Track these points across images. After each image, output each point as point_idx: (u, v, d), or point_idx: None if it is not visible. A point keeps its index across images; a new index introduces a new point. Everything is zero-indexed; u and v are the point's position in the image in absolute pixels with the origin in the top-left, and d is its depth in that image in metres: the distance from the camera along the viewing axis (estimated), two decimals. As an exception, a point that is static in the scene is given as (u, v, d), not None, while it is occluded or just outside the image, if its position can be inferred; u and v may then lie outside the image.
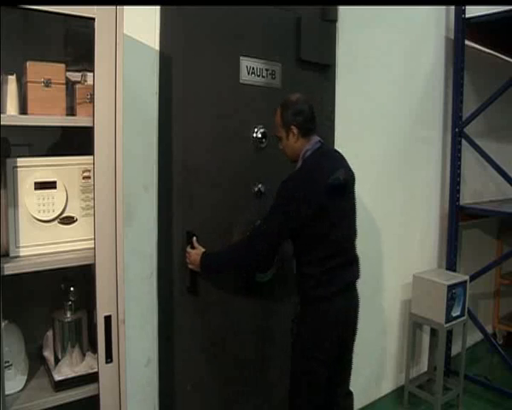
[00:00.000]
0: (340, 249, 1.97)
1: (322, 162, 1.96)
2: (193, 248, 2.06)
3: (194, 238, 2.06)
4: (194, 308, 2.16)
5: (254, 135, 2.32)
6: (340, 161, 2.04)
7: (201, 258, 2.01)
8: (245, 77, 2.26)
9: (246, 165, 2.31)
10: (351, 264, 2.04)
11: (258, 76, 2.30)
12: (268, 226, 1.94)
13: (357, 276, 2.07)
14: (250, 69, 2.27)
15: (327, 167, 1.94)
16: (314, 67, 2.52)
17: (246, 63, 2.25)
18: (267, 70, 2.34)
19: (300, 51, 2.43)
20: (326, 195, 1.88)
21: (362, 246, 2.13)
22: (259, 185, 2.34)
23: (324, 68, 2.57)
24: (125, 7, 1.37)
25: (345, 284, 2.00)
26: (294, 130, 1.96)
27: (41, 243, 1.41)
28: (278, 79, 2.38)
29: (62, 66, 1.41)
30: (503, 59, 3.97)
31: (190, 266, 2.06)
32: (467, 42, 3.41)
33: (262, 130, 2.32)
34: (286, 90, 2.33)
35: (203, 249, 2.04)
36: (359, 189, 2.15)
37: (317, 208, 1.87)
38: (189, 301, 2.13)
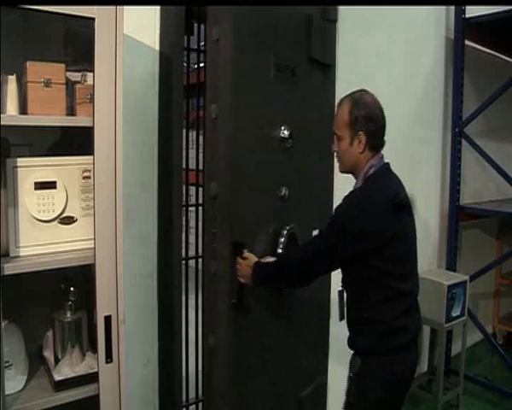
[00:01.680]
0: (410, 288, 1.71)
1: (387, 185, 1.70)
2: (243, 258, 1.84)
3: (249, 254, 1.85)
4: (239, 325, 1.96)
5: (282, 134, 2.12)
6: (400, 184, 1.77)
7: (253, 270, 1.79)
8: (274, 73, 2.06)
9: (273, 167, 2.14)
10: (417, 306, 1.78)
11: (283, 72, 2.12)
12: (320, 256, 1.69)
13: (421, 322, 1.81)
14: (277, 65, 2.08)
15: (392, 190, 1.69)
16: (319, 67, 2.51)
17: (277, 59, 2.07)
18: (288, 67, 2.18)
19: (312, 49, 2.31)
20: (393, 222, 1.63)
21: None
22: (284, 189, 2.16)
23: (325, 68, 2.57)
24: (125, 7, 1.37)
25: (415, 332, 1.73)
26: (362, 138, 1.66)
27: (41, 243, 1.41)
28: (296, 77, 2.20)
29: (62, 66, 1.41)
30: (503, 59, 3.97)
31: (241, 280, 1.84)
32: (467, 42, 3.41)
33: (288, 129, 2.10)
34: (303, 89, 2.23)
35: (255, 259, 1.83)
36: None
37: (386, 237, 1.61)
38: (233, 317, 1.93)
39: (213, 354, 1.94)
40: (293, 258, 1.83)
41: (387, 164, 1.73)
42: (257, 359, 2.07)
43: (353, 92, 1.72)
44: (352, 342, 1.75)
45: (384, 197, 1.64)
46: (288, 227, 2.05)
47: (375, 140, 1.68)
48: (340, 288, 1.86)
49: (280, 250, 2.01)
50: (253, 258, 1.83)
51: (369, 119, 1.65)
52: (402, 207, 1.67)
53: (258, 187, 2.00)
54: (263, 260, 1.85)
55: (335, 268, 1.75)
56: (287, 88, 2.13)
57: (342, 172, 1.77)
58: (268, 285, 1.93)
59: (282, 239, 2.04)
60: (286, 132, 2.08)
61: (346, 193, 1.72)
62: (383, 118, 1.69)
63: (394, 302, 1.64)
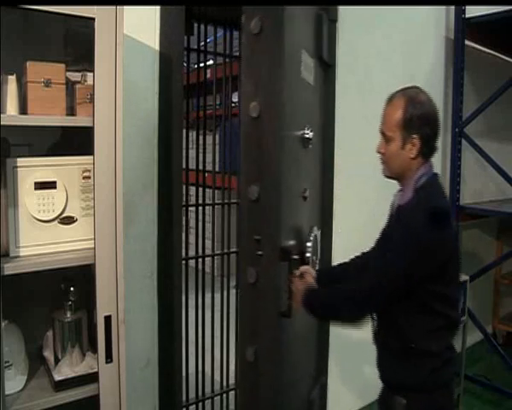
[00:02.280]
0: (458, 316, 1.57)
1: (440, 196, 1.51)
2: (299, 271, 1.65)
3: (306, 268, 1.68)
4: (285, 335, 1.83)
5: (306, 135, 2.05)
6: (446, 200, 1.59)
7: (305, 296, 1.59)
8: (303, 72, 1.98)
9: (300, 168, 2.09)
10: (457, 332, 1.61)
11: (308, 71, 2.06)
12: (397, 278, 1.43)
13: None
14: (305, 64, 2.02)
15: (445, 202, 1.53)
16: (324, 66, 2.51)
17: (304, 57, 1.99)
18: (311, 66, 2.13)
19: (322, 50, 2.30)
20: (452, 239, 1.48)
21: (361, 247, 2.13)
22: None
23: (327, 68, 2.58)
24: (125, 7, 1.37)
25: (456, 362, 1.55)
26: (417, 142, 1.45)
27: (41, 243, 1.41)
28: (313, 76, 2.15)
29: (62, 66, 1.41)
30: (503, 59, 3.97)
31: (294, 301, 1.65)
32: (467, 42, 3.41)
33: (311, 130, 2.03)
34: (318, 88, 2.21)
35: (312, 275, 1.67)
36: (361, 188, 2.12)
37: (450, 258, 1.44)
38: (279, 326, 1.78)
39: (256, 367, 1.75)
40: (358, 285, 1.54)
41: (437, 174, 1.55)
42: (292, 365, 2.00)
43: (406, 88, 1.51)
44: (391, 377, 1.52)
45: (438, 211, 1.44)
46: (313, 230, 1.97)
47: (430, 146, 1.48)
48: None
49: (308, 254, 1.84)
50: (310, 275, 1.65)
51: (425, 121, 1.45)
52: (452, 221, 1.51)
53: (293, 189, 1.92)
54: (313, 285, 1.63)
55: (405, 291, 1.44)
56: (309, 88, 2.09)
57: (386, 176, 1.57)
58: (322, 315, 1.67)
59: (309, 244, 1.91)
60: (310, 133, 2.02)
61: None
62: (439, 121, 1.50)
63: (445, 332, 1.47)
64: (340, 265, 1.87)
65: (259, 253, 1.67)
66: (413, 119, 1.44)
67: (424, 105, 1.46)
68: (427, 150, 1.48)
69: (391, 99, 1.53)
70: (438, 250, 1.40)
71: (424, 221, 1.40)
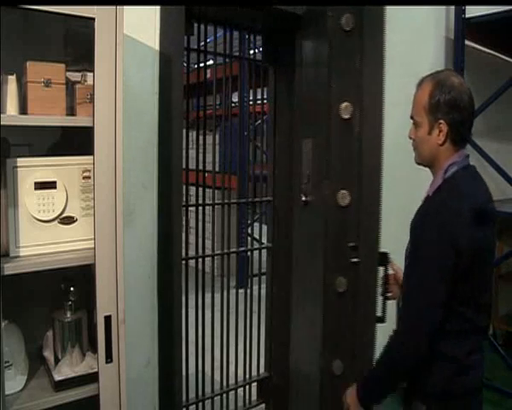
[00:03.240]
0: (486, 318, 1.44)
1: (470, 190, 1.41)
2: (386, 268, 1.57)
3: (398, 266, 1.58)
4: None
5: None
6: (488, 191, 1.49)
7: (357, 394, 1.49)
8: None
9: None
10: (485, 340, 1.51)
11: None
12: (420, 299, 1.36)
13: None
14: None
15: (477, 198, 1.41)
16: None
17: None
18: None
19: None
20: (475, 237, 1.35)
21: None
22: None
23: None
24: (125, 7, 1.37)
25: (483, 373, 1.44)
26: (444, 128, 1.39)
27: (41, 243, 1.41)
28: None
29: (62, 66, 1.41)
30: (503, 59, 3.97)
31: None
32: (467, 42, 3.41)
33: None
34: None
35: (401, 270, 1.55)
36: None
37: (476, 256, 1.34)
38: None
39: (344, 379, 1.68)
40: (391, 338, 1.44)
41: (473, 166, 1.46)
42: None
43: (438, 71, 1.46)
44: (411, 381, 1.46)
45: (465, 205, 1.36)
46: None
47: (460, 132, 1.40)
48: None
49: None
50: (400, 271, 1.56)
51: (453, 105, 1.37)
52: (486, 219, 1.40)
53: (376, 192, 1.88)
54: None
55: (445, 304, 1.36)
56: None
57: (418, 163, 1.51)
58: (380, 395, 1.50)
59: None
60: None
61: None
62: (472, 106, 1.40)
63: (468, 336, 1.39)
64: None
65: (355, 260, 1.58)
66: (440, 103, 1.38)
67: (454, 89, 1.38)
68: (456, 137, 1.40)
69: (420, 83, 1.48)
70: (462, 245, 1.32)
71: (450, 215, 1.35)
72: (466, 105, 1.39)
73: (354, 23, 1.61)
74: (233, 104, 3.97)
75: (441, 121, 1.39)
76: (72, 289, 1.55)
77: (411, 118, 1.51)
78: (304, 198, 2.19)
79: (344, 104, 1.57)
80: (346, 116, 1.61)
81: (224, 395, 2.82)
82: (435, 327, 1.36)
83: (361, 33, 1.61)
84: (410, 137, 1.52)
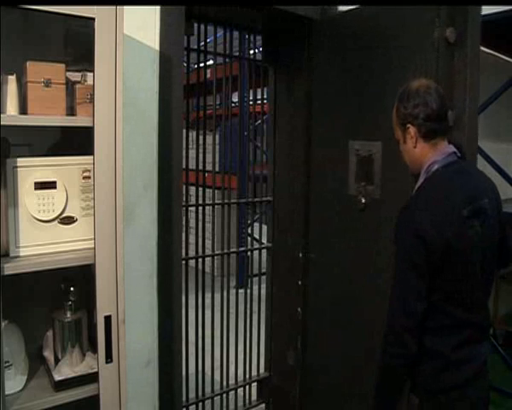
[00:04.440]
0: (475, 313, 1.43)
1: (456, 184, 1.43)
2: None
3: None
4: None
5: None
6: (483, 184, 1.50)
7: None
8: None
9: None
10: (485, 335, 1.49)
11: None
12: (398, 294, 1.41)
13: (488, 352, 1.49)
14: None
15: (463, 193, 1.41)
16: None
17: None
18: None
19: None
20: (456, 231, 1.36)
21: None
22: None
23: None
24: (125, 7, 1.37)
25: (479, 365, 1.44)
26: (411, 130, 1.46)
27: (41, 243, 1.41)
28: None
29: (62, 66, 1.41)
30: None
31: None
32: (467, 42, 3.41)
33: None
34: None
35: None
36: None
37: (446, 251, 1.35)
38: None
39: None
40: (387, 329, 1.45)
41: (460, 160, 1.48)
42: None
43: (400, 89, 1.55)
44: (409, 375, 1.49)
45: (448, 199, 1.39)
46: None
47: (428, 127, 1.44)
48: None
49: None
50: None
51: (414, 107, 1.44)
52: (474, 213, 1.39)
53: None
54: None
55: (424, 298, 1.38)
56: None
57: (412, 175, 1.57)
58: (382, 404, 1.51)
59: None
60: None
61: None
62: (437, 101, 1.44)
63: (454, 331, 1.41)
64: None
65: None
66: (404, 113, 1.47)
67: (411, 93, 1.46)
68: (425, 132, 1.45)
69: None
70: (430, 239, 1.34)
71: (419, 210, 1.40)
72: (427, 101, 1.43)
73: (456, 37, 1.80)
74: (233, 104, 3.97)
75: (408, 125, 1.47)
76: (72, 289, 1.55)
77: (396, 139, 1.58)
78: (363, 200, 2.25)
79: (449, 112, 1.65)
80: (450, 123, 1.72)
81: (224, 395, 2.82)
82: (417, 320, 1.37)
83: (464, 45, 1.80)
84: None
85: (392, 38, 2.06)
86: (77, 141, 1.49)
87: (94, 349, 1.52)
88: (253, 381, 2.94)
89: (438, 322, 1.40)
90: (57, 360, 1.52)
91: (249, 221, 4.15)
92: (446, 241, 1.34)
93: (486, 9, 3.20)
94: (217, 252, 2.78)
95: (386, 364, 1.45)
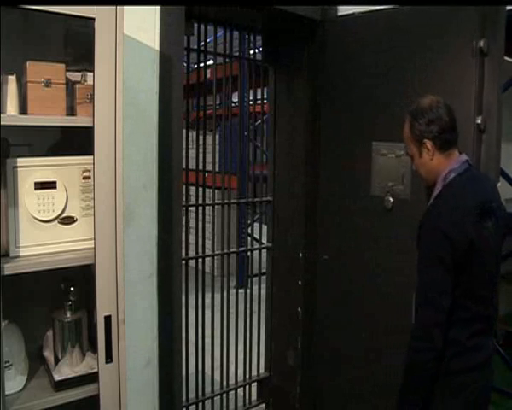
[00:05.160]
0: (488, 307, 1.57)
1: (470, 189, 1.56)
2: None
3: None
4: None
5: None
6: (491, 188, 1.65)
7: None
8: None
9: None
10: (492, 328, 1.62)
11: None
12: (426, 291, 1.52)
13: (493, 345, 1.64)
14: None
15: (477, 196, 1.55)
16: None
17: None
18: None
19: None
20: (475, 232, 1.48)
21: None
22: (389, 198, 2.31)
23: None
24: (125, 7, 1.37)
25: (488, 355, 1.59)
26: (428, 144, 1.58)
27: (41, 243, 1.41)
28: None
29: (62, 66, 1.41)
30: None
31: None
32: (467, 42, 3.40)
33: None
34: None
35: None
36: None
37: (469, 250, 1.47)
38: None
39: None
40: (414, 328, 1.55)
41: (469, 166, 1.61)
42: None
43: (411, 107, 1.68)
44: None
45: (458, 203, 1.53)
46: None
47: (443, 138, 1.58)
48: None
49: None
50: None
51: (430, 122, 1.57)
52: (487, 215, 1.52)
53: None
54: None
55: (449, 293, 1.49)
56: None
57: (428, 187, 1.69)
58: (410, 403, 1.59)
59: None
60: None
61: None
62: (448, 114, 1.58)
63: (470, 323, 1.53)
64: None
65: None
66: (420, 130, 1.59)
67: (425, 110, 1.59)
68: (441, 144, 1.58)
69: (405, 120, 1.67)
70: (455, 236, 1.46)
71: (443, 212, 1.52)
72: (441, 116, 1.57)
73: (488, 47, 1.99)
74: (233, 104, 3.97)
75: (425, 141, 1.59)
76: (72, 289, 1.55)
77: (407, 154, 1.74)
78: (392, 200, 2.30)
79: (480, 117, 1.97)
80: (482, 128, 1.97)
81: (224, 395, 2.82)
82: (445, 315, 1.48)
83: (492, 54, 2.00)
84: (414, 169, 1.73)
85: (427, 43, 2.16)
86: (77, 141, 1.49)
87: (94, 349, 1.52)
88: (253, 381, 2.94)
89: (456, 316, 1.50)
90: (57, 360, 1.52)
91: (249, 221, 4.15)
92: (469, 240, 1.47)
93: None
94: (217, 252, 2.78)
95: (414, 360, 1.53)
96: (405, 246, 2.11)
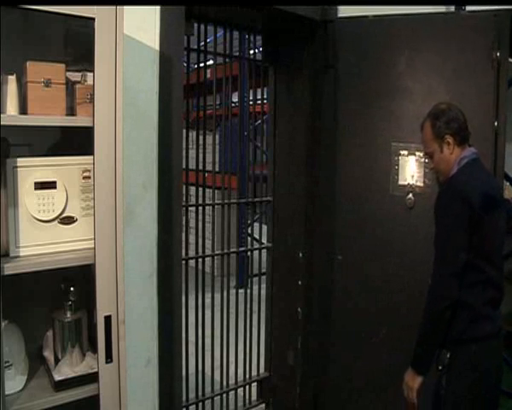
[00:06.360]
0: (499, 278, 1.73)
1: (479, 174, 1.80)
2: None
3: None
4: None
5: None
6: (494, 179, 1.95)
7: (411, 365, 1.78)
8: None
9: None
10: (501, 300, 1.76)
11: None
12: (445, 246, 1.70)
13: (501, 318, 1.76)
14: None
15: (484, 181, 1.79)
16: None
17: None
18: None
19: None
20: (487, 195, 1.70)
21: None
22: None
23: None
24: (125, 7, 1.37)
25: (498, 326, 1.72)
26: (449, 139, 1.78)
27: (41, 243, 1.41)
28: None
29: (62, 66, 1.41)
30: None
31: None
32: (467, 42, 3.41)
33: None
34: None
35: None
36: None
37: (483, 214, 1.66)
38: None
39: None
40: (434, 278, 1.73)
41: (478, 159, 1.81)
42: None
43: (431, 110, 1.87)
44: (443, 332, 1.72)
45: (474, 177, 1.75)
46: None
47: (461, 134, 1.79)
48: None
49: None
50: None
51: (450, 121, 1.78)
52: (492, 193, 1.76)
53: None
54: None
55: (466, 249, 1.67)
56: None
57: (443, 182, 1.85)
58: (426, 350, 1.76)
59: None
60: None
61: None
62: (462, 115, 1.81)
63: (484, 287, 1.68)
64: None
65: None
66: (441, 127, 1.79)
67: (444, 111, 1.81)
68: (460, 139, 1.79)
69: (422, 127, 1.87)
70: (472, 197, 1.66)
71: (462, 183, 1.73)
72: (458, 116, 1.81)
73: (501, 57, 2.23)
74: (233, 104, 3.97)
75: (446, 136, 1.79)
76: (72, 289, 1.55)
77: (426, 154, 1.95)
78: (412, 197, 2.39)
79: (496, 123, 2.23)
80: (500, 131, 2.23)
81: (224, 395, 2.82)
82: (461, 267, 1.65)
83: (504, 65, 2.23)
84: (432, 169, 1.92)
85: (449, 51, 2.34)
86: (77, 141, 1.49)
87: (94, 349, 1.52)
88: (253, 381, 2.94)
89: (470, 278, 1.66)
90: (57, 360, 1.52)
91: (249, 221, 4.15)
92: (485, 200, 1.67)
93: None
94: (217, 252, 2.78)
95: (433, 308, 1.70)
96: (427, 243, 2.08)
